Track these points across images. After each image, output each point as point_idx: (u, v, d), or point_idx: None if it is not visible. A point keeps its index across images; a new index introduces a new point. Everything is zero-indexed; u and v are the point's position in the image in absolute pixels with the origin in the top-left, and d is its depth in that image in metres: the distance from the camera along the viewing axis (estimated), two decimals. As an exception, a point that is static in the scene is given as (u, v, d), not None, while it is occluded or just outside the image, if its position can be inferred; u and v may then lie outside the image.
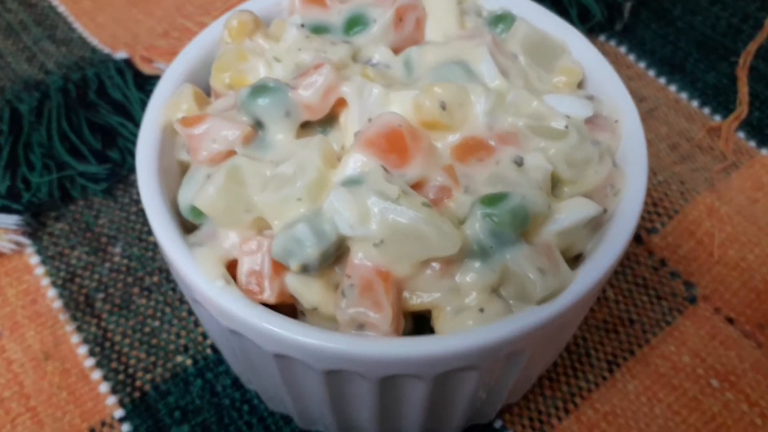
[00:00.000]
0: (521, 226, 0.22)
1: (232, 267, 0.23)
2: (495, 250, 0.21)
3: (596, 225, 0.24)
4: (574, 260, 0.24)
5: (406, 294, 0.22)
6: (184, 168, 0.27)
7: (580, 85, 0.28)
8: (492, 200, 0.22)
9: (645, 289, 0.35)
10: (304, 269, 0.21)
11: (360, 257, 0.21)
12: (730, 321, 0.34)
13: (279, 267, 0.22)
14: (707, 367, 0.33)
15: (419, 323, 0.23)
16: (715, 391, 0.32)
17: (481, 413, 0.28)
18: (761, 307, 0.34)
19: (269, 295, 0.22)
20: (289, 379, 0.24)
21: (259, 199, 0.22)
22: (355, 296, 0.21)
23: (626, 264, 0.35)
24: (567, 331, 0.25)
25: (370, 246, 0.21)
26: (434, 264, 0.22)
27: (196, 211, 0.24)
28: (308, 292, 0.22)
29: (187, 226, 0.25)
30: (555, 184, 0.24)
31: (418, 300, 0.22)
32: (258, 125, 0.24)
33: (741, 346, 0.33)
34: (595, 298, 0.25)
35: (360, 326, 0.21)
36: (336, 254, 0.22)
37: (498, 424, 0.31)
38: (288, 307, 0.23)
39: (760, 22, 0.46)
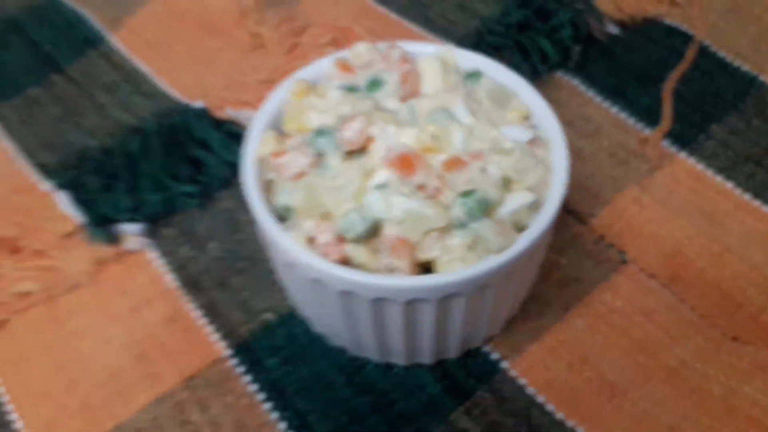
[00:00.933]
0: (485, 209, 0.33)
1: (310, 242, 0.34)
2: (469, 223, 0.33)
3: (535, 207, 0.35)
4: (521, 231, 0.37)
5: (417, 252, 0.33)
6: (268, 184, 0.37)
7: (527, 118, 0.38)
8: (466, 194, 0.33)
9: (589, 256, 0.44)
10: (356, 240, 0.34)
11: (389, 231, 0.34)
12: (652, 276, 0.43)
13: (340, 239, 0.33)
14: (634, 309, 0.41)
15: (426, 269, 0.33)
16: (639, 324, 0.41)
17: (473, 339, 0.39)
18: (671, 265, 0.44)
19: (335, 257, 0.32)
20: (347, 312, 0.35)
21: (326, 200, 0.35)
22: (388, 253, 0.34)
23: (575, 240, 0.46)
24: (520, 275, 0.37)
25: (395, 224, 0.33)
26: (433, 233, 0.33)
27: (287, 209, 0.35)
28: (358, 254, 0.33)
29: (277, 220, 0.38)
30: (507, 183, 0.34)
31: (425, 254, 0.33)
32: (319, 155, 0.36)
33: (659, 294, 0.42)
34: (536, 254, 0.37)
35: (391, 271, 0.34)
36: (374, 231, 0.33)
37: (486, 348, 0.40)
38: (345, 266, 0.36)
39: (683, 55, 0.54)
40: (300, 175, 0.35)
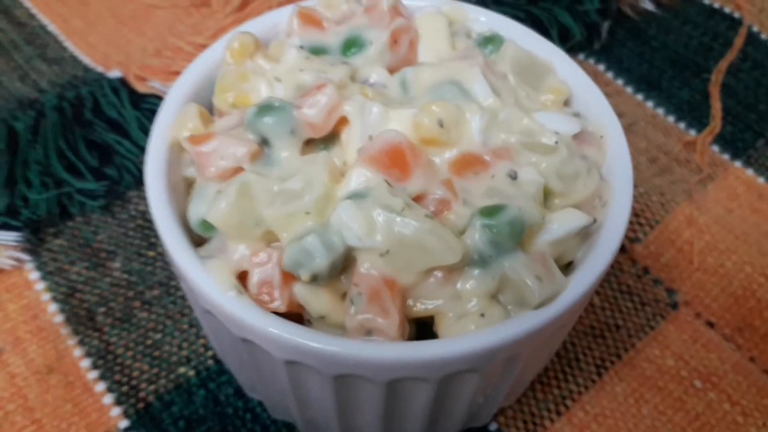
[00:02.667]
0: (518, 236, 0.23)
1: (242, 278, 0.24)
2: (494, 258, 0.23)
3: (586, 234, 0.25)
4: (566, 267, 0.25)
5: (410, 301, 0.23)
6: (189, 184, 0.28)
7: (567, 102, 0.30)
8: (490, 212, 0.23)
9: (629, 296, 0.36)
10: (314, 279, 0.22)
11: (367, 267, 0.22)
12: (711, 325, 0.35)
13: (288, 277, 0.23)
14: (690, 369, 0.34)
15: (421, 329, 0.24)
16: (699, 392, 0.33)
17: (478, 416, 0.29)
18: (740, 311, 0.36)
19: (279, 304, 0.23)
20: (297, 386, 0.24)
21: (268, 213, 0.23)
22: (364, 304, 0.22)
23: (611, 272, 0.37)
24: (560, 335, 0.26)
25: (377, 256, 0.22)
26: (437, 272, 0.23)
27: (206, 225, 0.24)
28: (317, 301, 0.23)
29: (195, 239, 0.26)
30: (547, 197, 0.25)
31: (421, 306, 0.23)
32: (264, 143, 0.25)
33: (721, 349, 0.35)
34: (586, 304, 0.26)
35: (368, 332, 0.22)
36: (343, 265, 0.23)
37: (493, 427, 0.32)
38: (295, 316, 0.24)
39: (729, 41, 0.49)
40: (231, 173, 0.25)
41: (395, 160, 0.24)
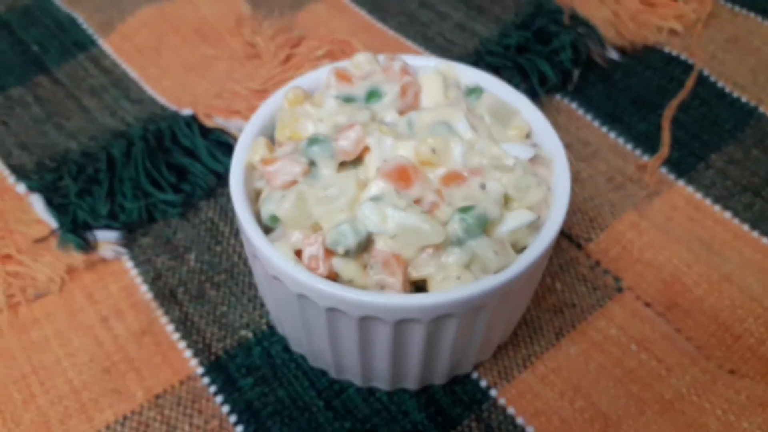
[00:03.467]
0: (483, 226, 0.33)
1: (297, 254, 0.32)
2: (467, 240, 0.32)
3: (534, 227, 0.35)
4: (521, 251, 0.36)
5: (410, 269, 0.33)
6: (257, 193, 0.38)
7: (528, 136, 0.38)
8: (465, 210, 0.33)
9: (584, 282, 0.44)
10: (346, 253, 0.33)
11: (381, 245, 0.33)
12: (647, 305, 0.43)
13: (329, 253, 0.32)
14: (629, 337, 0.41)
15: (419, 288, 0.33)
16: (634, 353, 0.40)
17: (461, 365, 0.38)
18: (669, 293, 0.44)
19: (323, 271, 0.32)
20: (333, 331, 0.34)
21: (316, 210, 0.34)
22: (379, 269, 0.32)
23: (570, 264, 0.46)
24: (517, 297, 0.36)
25: (388, 238, 0.33)
26: (428, 249, 0.32)
27: (274, 219, 0.33)
28: (348, 269, 0.32)
29: (263, 231, 0.36)
30: (506, 201, 0.33)
31: (418, 273, 0.32)
32: (311, 164, 0.35)
33: (654, 322, 0.42)
34: (534, 275, 0.36)
35: (381, 287, 0.32)
36: (366, 245, 0.33)
37: (474, 375, 0.39)
38: (333, 280, 0.35)
39: (682, 83, 0.56)
40: (290, 184, 0.33)
41: (402, 176, 0.33)
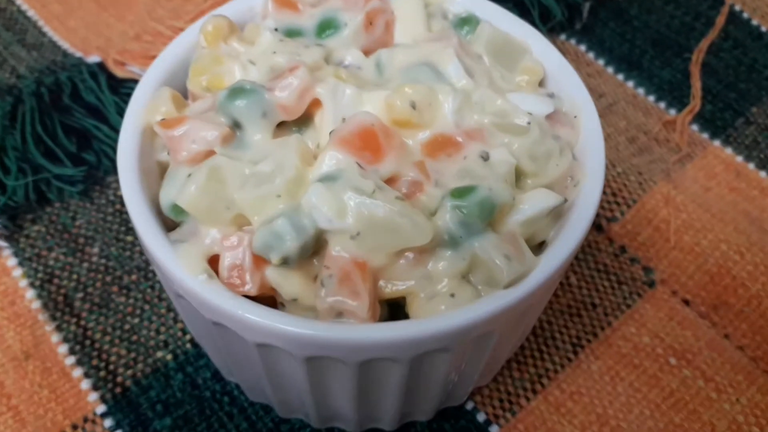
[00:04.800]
0: (488, 216, 0.23)
1: (213, 262, 0.24)
2: (464, 239, 0.23)
3: (558, 214, 0.25)
4: (538, 247, 0.26)
5: (381, 283, 0.23)
6: (163, 168, 0.27)
7: (542, 83, 0.30)
8: (461, 193, 0.23)
9: (606, 275, 0.36)
10: (285, 262, 0.22)
11: (338, 249, 0.22)
12: (687, 303, 0.36)
13: (259, 260, 0.23)
14: (665, 347, 0.34)
15: (394, 311, 0.24)
16: (673, 369, 0.34)
17: (453, 396, 0.29)
18: (715, 289, 0.36)
19: (250, 288, 0.23)
20: (270, 369, 0.25)
21: (239, 196, 0.23)
22: (334, 286, 0.22)
23: (588, 251, 0.37)
24: (532, 314, 0.26)
25: (347, 238, 0.22)
26: (408, 254, 0.23)
27: (178, 209, 0.24)
28: (288, 283, 0.23)
29: (168, 225, 0.26)
30: (519, 177, 0.25)
31: (393, 288, 0.23)
32: (236, 126, 0.25)
33: (697, 326, 0.35)
34: (557, 283, 0.27)
35: (339, 314, 0.22)
36: (314, 247, 0.23)
37: (469, 405, 0.32)
38: (268, 299, 0.24)
39: (711, 20, 0.48)
40: (203, 156, 0.24)
41: (367, 142, 0.24)
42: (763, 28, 0.48)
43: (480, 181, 0.23)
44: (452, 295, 0.22)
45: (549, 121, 0.27)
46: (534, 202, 0.24)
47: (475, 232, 0.23)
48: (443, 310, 0.22)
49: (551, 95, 0.28)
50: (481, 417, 0.32)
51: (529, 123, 0.25)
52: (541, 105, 0.27)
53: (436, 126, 0.25)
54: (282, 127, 0.26)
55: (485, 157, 0.24)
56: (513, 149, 0.25)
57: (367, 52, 0.29)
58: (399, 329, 0.22)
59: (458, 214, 0.23)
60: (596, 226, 0.38)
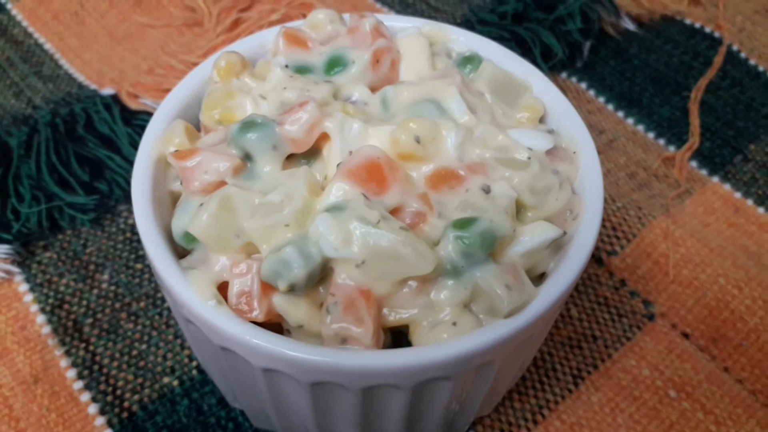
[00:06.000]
0: (489, 247, 0.24)
1: (222, 288, 0.24)
2: (466, 269, 0.23)
3: (557, 246, 0.26)
4: (539, 278, 0.26)
5: (385, 311, 0.23)
6: (175, 198, 0.28)
7: (542, 120, 0.30)
8: (463, 224, 0.24)
9: (606, 308, 0.36)
10: (292, 289, 0.23)
11: (343, 277, 0.23)
12: (686, 336, 0.36)
13: (267, 288, 0.23)
14: (665, 379, 0.34)
15: (397, 338, 0.25)
16: (673, 401, 0.34)
17: (455, 425, 0.30)
18: (714, 322, 0.36)
19: (258, 314, 0.23)
20: (275, 394, 0.25)
21: (249, 225, 0.24)
22: (339, 313, 0.23)
23: (588, 284, 0.37)
24: (533, 343, 0.27)
25: (353, 267, 0.23)
26: (411, 282, 0.23)
27: (189, 237, 0.25)
28: (295, 310, 0.24)
29: (180, 252, 0.26)
30: (519, 210, 0.26)
31: (396, 316, 0.23)
32: (247, 157, 0.26)
33: (696, 359, 0.35)
34: (557, 313, 0.27)
35: (343, 341, 0.23)
36: (320, 275, 0.23)
37: None
38: (274, 326, 0.25)
39: (709, 60, 0.49)
40: (214, 187, 0.24)
41: (373, 175, 0.25)
42: (761, 68, 0.49)
43: (481, 213, 0.24)
44: (454, 324, 0.23)
45: (549, 156, 0.28)
46: (534, 234, 0.25)
47: (476, 262, 0.23)
48: (445, 338, 0.23)
49: (551, 131, 0.29)
50: (482, 447, 0.32)
51: (529, 158, 0.26)
52: (541, 141, 0.28)
53: (439, 159, 0.26)
54: (291, 159, 0.27)
55: (487, 190, 0.25)
56: (514, 183, 0.26)
57: (373, 89, 0.30)
58: (402, 356, 0.22)
59: (460, 245, 0.23)
60: (596, 260, 0.38)
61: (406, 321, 0.24)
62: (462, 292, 0.23)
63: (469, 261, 0.23)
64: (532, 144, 0.27)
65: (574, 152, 0.29)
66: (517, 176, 0.26)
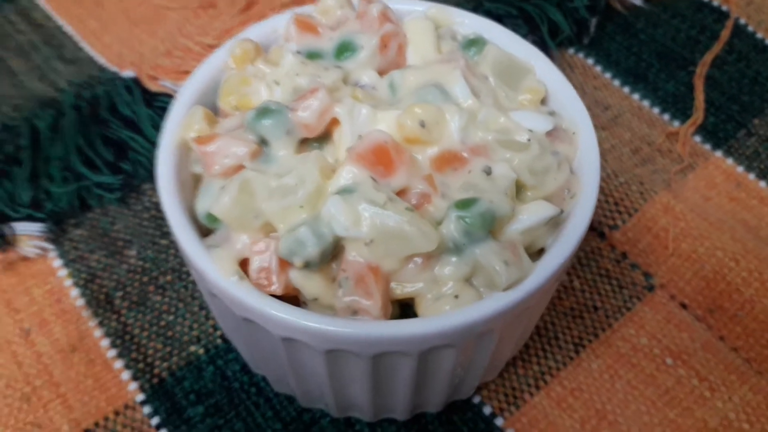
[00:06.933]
0: (489, 226, 0.25)
1: (243, 265, 0.26)
2: (467, 246, 0.25)
3: (555, 223, 0.27)
4: (538, 254, 0.28)
5: (393, 285, 0.25)
6: (196, 179, 0.30)
7: (544, 101, 0.31)
8: (464, 204, 0.25)
9: (608, 279, 0.38)
10: (307, 265, 0.25)
11: (353, 255, 0.25)
12: (684, 306, 0.37)
13: (284, 264, 0.25)
14: (663, 348, 0.36)
15: (404, 310, 0.27)
16: (669, 369, 0.35)
17: (461, 390, 0.32)
18: (711, 293, 0.38)
19: (276, 288, 0.25)
20: (293, 361, 0.27)
21: (266, 207, 0.26)
22: (350, 287, 0.24)
23: (591, 257, 0.39)
24: (531, 315, 0.29)
25: (362, 245, 0.25)
26: (416, 259, 0.25)
27: (212, 218, 0.27)
28: (310, 284, 0.25)
29: (203, 231, 0.28)
30: (519, 190, 0.27)
31: (403, 289, 0.25)
32: (263, 142, 0.28)
33: (693, 329, 0.36)
34: (554, 286, 0.29)
35: (354, 312, 0.25)
36: (333, 252, 0.25)
37: (476, 399, 0.34)
38: (292, 299, 0.27)
39: (716, 34, 0.49)
40: (233, 170, 0.26)
41: (381, 158, 0.26)
42: None
43: (482, 194, 0.26)
44: (456, 297, 0.25)
45: (549, 137, 0.29)
46: (532, 213, 0.26)
47: (477, 240, 0.25)
48: (448, 309, 0.24)
49: (552, 113, 0.30)
50: (487, 410, 0.34)
51: (529, 140, 0.28)
52: (541, 122, 0.29)
53: (443, 143, 0.27)
54: (304, 143, 0.28)
55: (488, 172, 0.27)
56: (514, 164, 0.27)
57: (381, 73, 0.31)
58: (408, 326, 0.24)
59: (462, 224, 0.25)
60: (599, 234, 0.40)
61: (412, 294, 0.25)
62: (463, 268, 0.25)
63: (470, 239, 0.25)
64: (532, 125, 0.28)
65: (574, 133, 0.30)
66: (517, 158, 0.27)
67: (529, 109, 0.30)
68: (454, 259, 0.25)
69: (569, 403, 0.34)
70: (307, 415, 0.33)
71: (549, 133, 0.29)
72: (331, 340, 0.24)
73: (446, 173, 0.27)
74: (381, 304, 0.24)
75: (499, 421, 0.33)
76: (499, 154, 0.27)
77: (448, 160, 0.27)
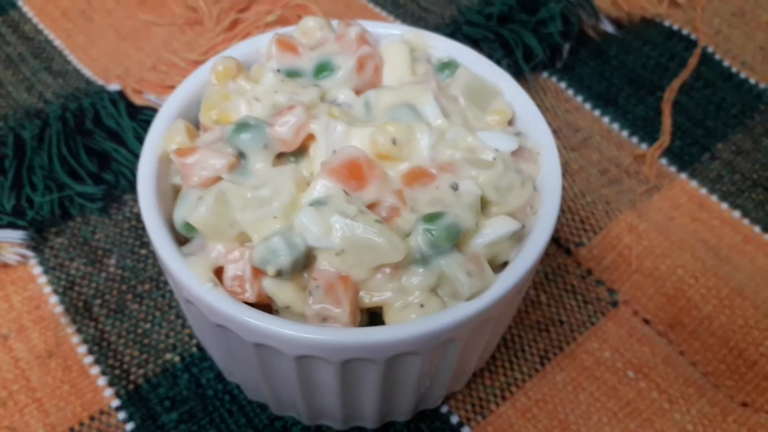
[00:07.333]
0: (454, 239, 0.26)
1: (218, 272, 0.27)
2: (433, 258, 0.26)
3: (518, 238, 0.29)
4: (502, 267, 0.29)
5: (362, 294, 0.26)
6: (176, 190, 0.31)
7: (511, 122, 0.33)
8: (431, 218, 0.26)
9: (573, 295, 0.39)
10: (279, 274, 0.26)
11: (324, 264, 0.26)
12: (646, 322, 0.38)
13: (258, 272, 0.26)
14: (625, 361, 0.37)
15: (373, 318, 0.28)
16: (631, 381, 0.36)
17: (428, 399, 0.33)
18: (672, 310, 0.39)
19: (250, 295, 0.26)
20: (266, 367, 0.28)
21: (241, 217, 0.27)
22: (321, 295, 0.26)
23: (557, 272, 0.40)
24: (495, 325, 0.30)
25: (333, 255, 0.26)
26: (385, 269, 0.26)
27: (189, 227, 0.28)
28: (282, 292, 0.26)
29: (180, 239, 0.29)
30: (484, 205, 0.28)
31: (371, 298, 0.26)
32: (241, 155, 0.29)
33: (654, 343, 0.38)
34: (517, 298, 0.30)
35: (324, 319, 0.26)
36: (304, 262, 0.26)
37: (444, 409, 0.35)
38: (264, 306, 0.28)
39: (684, 61, 0.51)
40: (211, 182, 0.27)
41: (353, 173, 0.27)
42: (734, 69, 0.51)
43: (449, 209, 0.27)
44: (422, 306, 0.26)
45: (514, 156, 0.30)
46: (496, 227, 0.28)
47: (442, 252, 0.26)
48: (414, 318, 0.26)
49: (518, 133, 0.32)
50: (454, 419, 0.35)
51: (495, 158, 0.29)
52: (507, 142, 0.30)
53: (413, 159, 0.28)
54: (281, 157, 0.29)
55: (455, 188, 0.28)
56: (480, 181, 0.28)
57: (358, 92, 0.32)
58: (375, 333, 0.25)
59: (429, 236, 0.26)
60: (565, 250, 0.41)
61: (380, 303, 0.27)
62: (429, 278, 0.26)
63: (436, 251, 0.26)
64: (498, 145, 0.30)
65: (538, 153, 0.31)
66: (483, 175, 0.29)
67: (496, 130, 0.31)
68: (420, 269, 0.26)
69: (534, 414, 0.35)
70: (279, 422, 0.34)
71: (514, 153, 0.30)
72: (301, 346, 0.25)
73: (415, 188, 0.28)
74: (350, 311, 0.26)
75: (465, 430, 0.34)
76: (466, 171, 0.29)
77: (418, 176, 0.28)
